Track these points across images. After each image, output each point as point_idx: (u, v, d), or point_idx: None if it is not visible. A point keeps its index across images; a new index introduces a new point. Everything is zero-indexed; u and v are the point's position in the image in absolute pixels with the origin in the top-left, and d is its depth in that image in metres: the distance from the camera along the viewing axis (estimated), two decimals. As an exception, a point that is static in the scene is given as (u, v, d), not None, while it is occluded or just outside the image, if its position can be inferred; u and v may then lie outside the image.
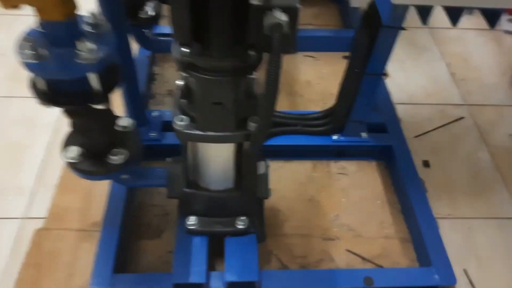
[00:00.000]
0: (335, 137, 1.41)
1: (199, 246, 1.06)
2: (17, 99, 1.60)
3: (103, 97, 0.80)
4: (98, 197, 1.24)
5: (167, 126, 1.34)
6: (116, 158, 0.92)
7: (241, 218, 1.08)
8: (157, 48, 1.63)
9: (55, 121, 1.52)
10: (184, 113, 0.87)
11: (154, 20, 1.44)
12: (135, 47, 1.62)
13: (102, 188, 1.22)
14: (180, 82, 0.86)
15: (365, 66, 1.19)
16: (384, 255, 1.23)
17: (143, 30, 1.51)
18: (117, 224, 1.10)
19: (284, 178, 1.40)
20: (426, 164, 1.51)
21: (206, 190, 1.03)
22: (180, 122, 0.85)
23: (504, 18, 2.16)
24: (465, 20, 2.18)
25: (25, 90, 0.80)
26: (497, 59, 1.98)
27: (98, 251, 1.06)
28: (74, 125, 0.89)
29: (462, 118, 1.69)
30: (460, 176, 1.49)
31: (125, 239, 1.15)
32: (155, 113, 1.38)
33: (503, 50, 2.03)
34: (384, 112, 1.52)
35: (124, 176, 1.00)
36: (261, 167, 1.09)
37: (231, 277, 1.02)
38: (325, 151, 1.45)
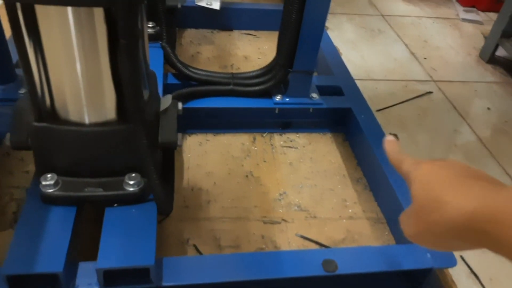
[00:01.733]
0: (277, 97, 1.08)
1: (58, 221, 0.66)
2: None
3: None
4: None
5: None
6: None
7: (132, 175, 0.70)
8: None
9: None
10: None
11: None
12: None
13: None
14: None
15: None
16: (350, 240, 0.87)
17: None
18: None
19: (212, 152, 1.04)
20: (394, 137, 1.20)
21: (67, 124, 0.65)
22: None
23: (460, 9, 2.05)
24: (419, 9, 2.01)
25: None
26: (459, 41, 1.77)
27: None
28: None
29: (430, 92, 1.42)
30: (439, 150, 1.19)
31: None
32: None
33: (464, 34, 1.84)
34: (339, 76, 1.22)
35: None
36: (165, 100, 0.74)
37: (106, 263, 0.61)
38: (267, 122, 1.11)
